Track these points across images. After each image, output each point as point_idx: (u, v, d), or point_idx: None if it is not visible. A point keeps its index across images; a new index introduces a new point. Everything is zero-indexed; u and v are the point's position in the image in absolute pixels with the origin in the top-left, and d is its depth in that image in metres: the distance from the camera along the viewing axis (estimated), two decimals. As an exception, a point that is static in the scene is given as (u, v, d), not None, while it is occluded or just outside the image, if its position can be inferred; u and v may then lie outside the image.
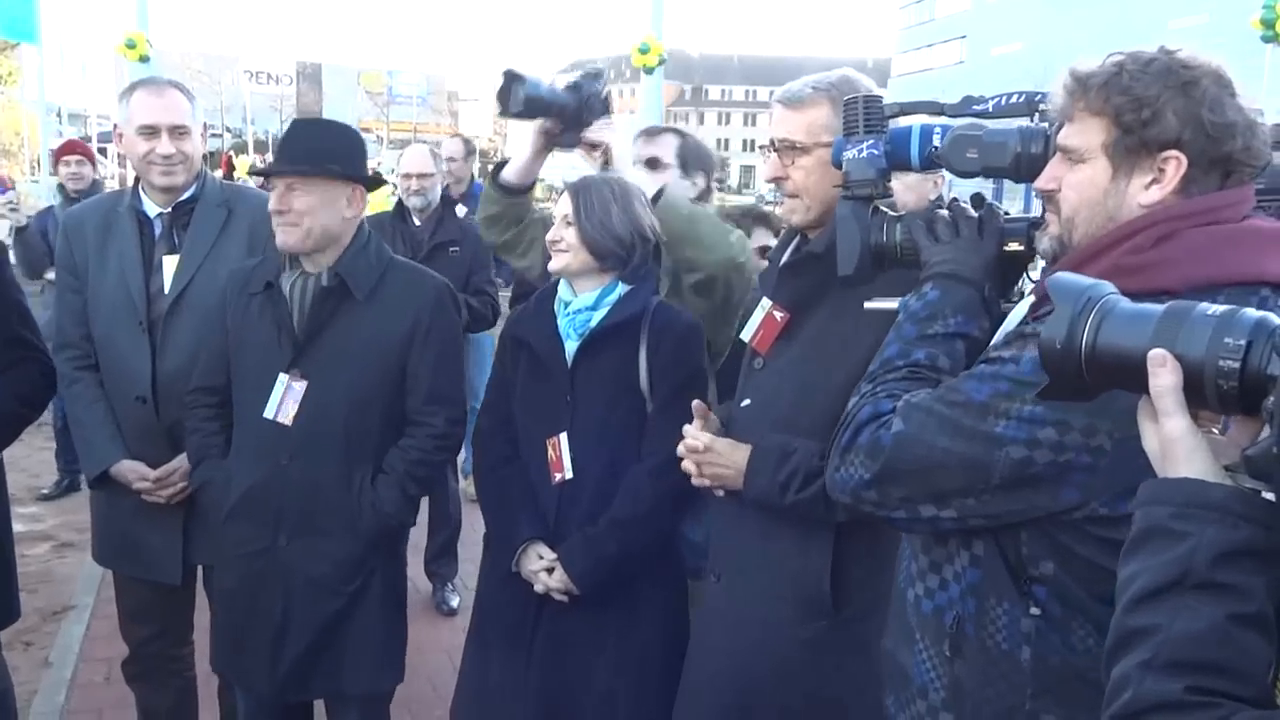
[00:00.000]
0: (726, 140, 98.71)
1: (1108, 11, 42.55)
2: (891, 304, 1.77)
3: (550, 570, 2.49)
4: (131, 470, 2.87)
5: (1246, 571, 1.01)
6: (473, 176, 6.39)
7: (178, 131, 2.86)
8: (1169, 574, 1.03)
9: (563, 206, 2.55)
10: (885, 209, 1.86)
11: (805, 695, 2.14)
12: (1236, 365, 1.01)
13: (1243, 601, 1.00)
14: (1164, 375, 1.06)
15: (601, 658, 2.51)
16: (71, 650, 4.23)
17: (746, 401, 2.25)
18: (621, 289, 2.55)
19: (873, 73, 2.18)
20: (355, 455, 2.59)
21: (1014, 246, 1.71)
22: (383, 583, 2.68)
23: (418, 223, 4.92)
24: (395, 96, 78.46)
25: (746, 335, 2.29)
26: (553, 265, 2.57)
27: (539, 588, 2.50)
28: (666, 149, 3.14)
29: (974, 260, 1.69)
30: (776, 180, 2.17)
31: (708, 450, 2.20)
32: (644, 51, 6.97)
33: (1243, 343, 1.02)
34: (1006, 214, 1.77)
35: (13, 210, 6.51)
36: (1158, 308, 1.11)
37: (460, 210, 5.19)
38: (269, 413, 2.57)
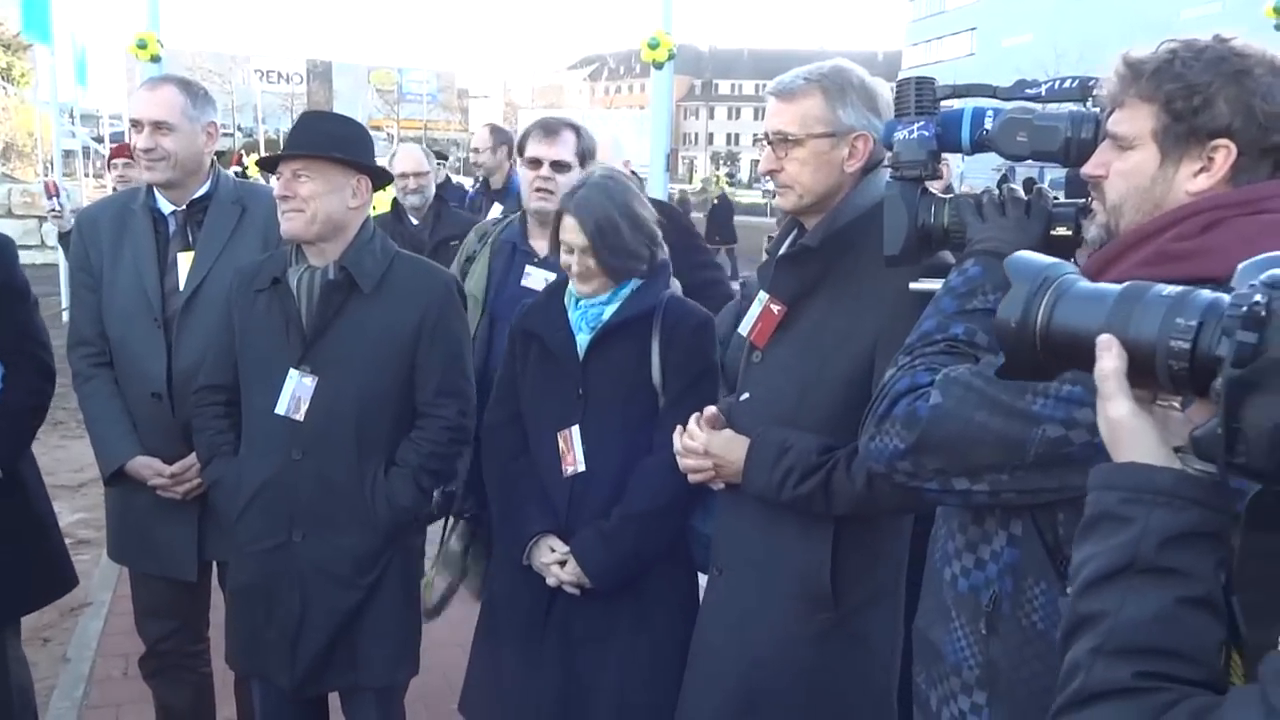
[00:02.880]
0: (737, 135, 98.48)
1: (1119, 1, 42.29)
2: (935, 285, 1.77)
3: (563, 563, 2.50)
4: (147, 466, 2.89)
5: (1194, 553, 1.01)
6: (511, 167, 5.81)
7: (159, 127, 2.87)
8: (1117, 559, 1.04)
9: (575, 237, 2.49)
10: (934, 190, 1.86)
11: (808, 688, 2.15)
12: (1187, 346, 1.01)
13: (1190, 584, 1.01)
14: (1107, 359, 1.07)
15: (613, 649, 2.52)
16: (89, 646, 4.26)
17: (745, 395, 2.26)
18: (635, 282, 2.55)
19: (883, 65, 2.18)
20: (367, 449, 2.60)
21: (1062, 231, 1.71)
22: (398, 575, 2.69)
23: (415, 222, 4.91)
24: (405, 94, 78.43)
25: (744, 329, 2.30)
26: (581, 289, 2.54)
27: (551, 581, 2.51)
28: (568, 149, 3.19)
29: (1018, 239, 1.68)
30: (771, 173, 2.17)
31: (706, 452, 2.21)
32: (653, 46, 6.94)
33: (1194, 324, 1.01)
34: (1056, 199, 1.77)
35: (56, 216, 6.60)
36: (1115, 288, 1.10)
37: (496, 209, 5.16)
38: (280, 409, 2.57)
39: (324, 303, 2.59)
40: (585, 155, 3.24)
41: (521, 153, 3.28)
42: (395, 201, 5.02)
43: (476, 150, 5.85)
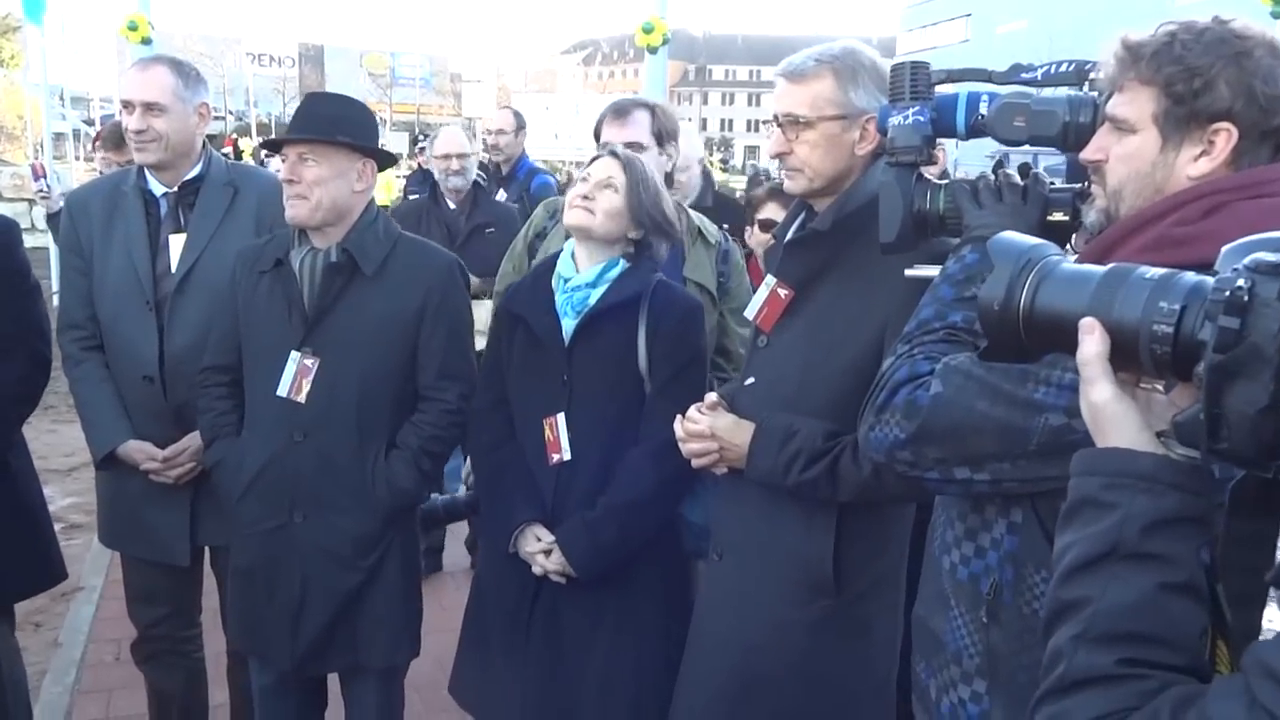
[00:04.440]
0: (730, 120, 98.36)
1: (1114, -12, 42.21)
2: (932, 271, 1.76)
3: (548, 552, 2.48)
4: (139, 450, 2.86)
5: (1177, 539, 1.01)
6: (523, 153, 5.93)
7: (150, 108, 2.84)
8: (1100, 545, 1.03)
9: (608, 169, 2.47)
10: (929, 176, 1.85)
11: (807, 676, 2.14)
12: (1170, 330, 0.99)
13: (1173, 570, 1.00)
14: (1089, 343, 1.05)
15: (600, 637, 2.50)
16: (81, 631, 4.25)
17: (751, 379, 2.24)
18: (622, 265, 2.52)
19: (877, 51, 2.16)
20: (368, 432, 2.60)
21: (1058, 216, 1.70)
22: (399, 557, 2.69)
23: (452, 206, 4.83)
24: (398, 78, 78.22)
25: (750, 313, 2.27)
26: (573, 220, 2.48)
27: (537, 570, 2.49)
28: (641, 130, 3.00)
29: (1015, 225, 1.65)
30: (780, 155, 2.14)
31: (711, 435, 2.20)
32: (648, 31, 6.91)
33: (1177, 307, 0.99)
34: (1052, 184, 1.76)
35: (44, 198, 6.57)
36: (1099, 270, 1.09)
37: (500, 195, 5.10)
38: (281, 390, 2.57)
39: (326, 285, 2.58)
40: (664, 136, 3.03)
41: (598, 139, 3.08)
42: (433, 185, 4.95)
43: (501, 131, 5.75)
